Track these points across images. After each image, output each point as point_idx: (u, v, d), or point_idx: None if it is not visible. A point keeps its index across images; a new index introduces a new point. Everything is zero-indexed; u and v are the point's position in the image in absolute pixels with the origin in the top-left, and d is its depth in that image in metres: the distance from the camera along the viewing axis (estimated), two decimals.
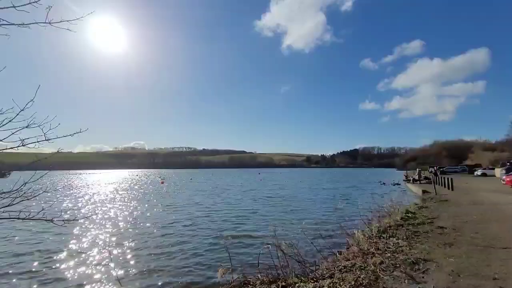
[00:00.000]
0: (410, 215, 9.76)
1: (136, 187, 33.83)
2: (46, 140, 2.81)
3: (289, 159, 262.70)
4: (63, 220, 3.07)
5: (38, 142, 2.81)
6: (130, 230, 10.38)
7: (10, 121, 2.67)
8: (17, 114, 2.65)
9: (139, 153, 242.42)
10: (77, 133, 3.11)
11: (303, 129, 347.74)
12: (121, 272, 6.26)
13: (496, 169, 35.70)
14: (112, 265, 6.69)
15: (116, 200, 20.06)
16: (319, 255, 6.31)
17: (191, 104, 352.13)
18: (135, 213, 14.28)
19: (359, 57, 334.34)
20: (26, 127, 2.72)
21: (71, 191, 26.77)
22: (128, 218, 12.69)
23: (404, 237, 6.73)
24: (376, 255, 5.46)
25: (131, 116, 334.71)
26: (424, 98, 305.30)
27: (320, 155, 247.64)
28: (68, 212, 14.24)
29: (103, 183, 42.80)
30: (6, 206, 2.80)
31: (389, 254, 5.53)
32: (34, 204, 3.26)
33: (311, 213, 13.88)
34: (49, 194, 22.43)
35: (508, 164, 30.84)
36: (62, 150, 3.37)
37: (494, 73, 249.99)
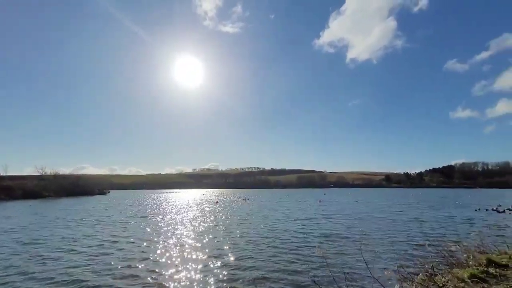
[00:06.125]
0: (495, 271, 5.80)
1: (191, 208, 35.12)
2: None
3: (364, 178, 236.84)
4: None
5: None
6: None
7: None
8: None
9: (214, 174, 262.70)
10: None
11: (380, 145, 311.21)
12: None
13: None
14: None
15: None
16: None
17: (259, 126, 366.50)
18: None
19: (441, 60, 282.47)
20: None
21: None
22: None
23: None
24: None
25: (207, 140, 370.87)
26: None
27: (403, 173, 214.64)
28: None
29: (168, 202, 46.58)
30: None
31: None
32: None
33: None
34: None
35: None
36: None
37: None
